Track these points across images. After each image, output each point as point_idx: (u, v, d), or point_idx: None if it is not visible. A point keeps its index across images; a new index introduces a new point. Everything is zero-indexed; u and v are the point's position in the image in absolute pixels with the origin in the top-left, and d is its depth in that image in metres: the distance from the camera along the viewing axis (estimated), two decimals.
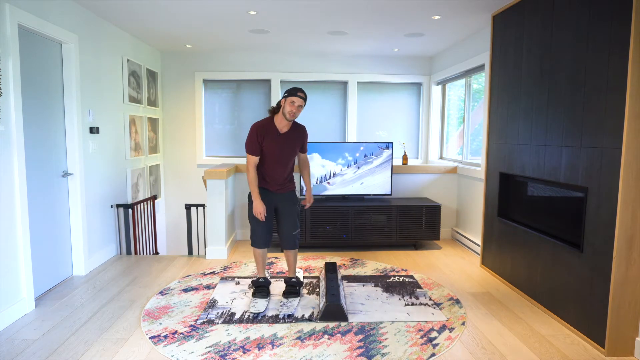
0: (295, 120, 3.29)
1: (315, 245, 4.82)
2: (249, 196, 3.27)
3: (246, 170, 3.19)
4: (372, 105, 6.16)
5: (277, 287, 3.56)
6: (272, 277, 3.81)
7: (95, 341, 2.67)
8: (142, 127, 5.25)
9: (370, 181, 4.94)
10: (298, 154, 3.36)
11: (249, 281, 3.71)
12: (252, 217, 3.27)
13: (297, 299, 3.28)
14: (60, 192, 3.67)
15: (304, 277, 3.82)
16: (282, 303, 3.20)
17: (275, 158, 3.20)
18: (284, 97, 3.10)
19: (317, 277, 3.82)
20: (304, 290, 3.50)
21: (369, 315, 3.05)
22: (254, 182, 3.17)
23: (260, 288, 3.27)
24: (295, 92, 3.08)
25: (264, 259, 3.37)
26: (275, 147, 3.17)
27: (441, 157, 5.98)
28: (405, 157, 5.59)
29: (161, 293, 3.44)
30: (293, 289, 3.33)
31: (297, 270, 3.94)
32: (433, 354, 2.53)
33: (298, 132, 3.27)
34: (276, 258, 4.43)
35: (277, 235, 4.34)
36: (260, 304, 3.12)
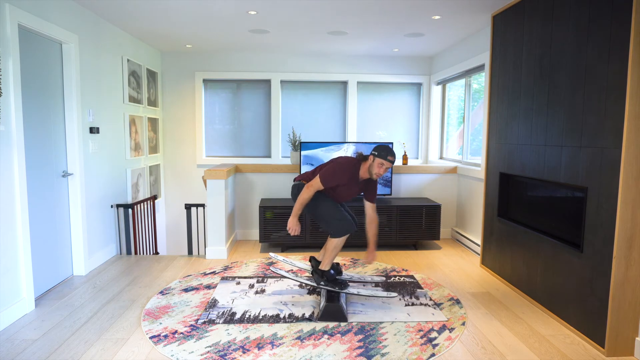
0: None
1: (315, 245, 4.82)
2: (311, 198, 3.20)
3: (306, 190, 3.12)
4: (372, 105, 6.16)
5: (279, 285, 3.56)
6: (272, 277, 3.81)
7: (95, 341, 2.67)
8: (142, 127, 5.25)
9: None
10: (365, 204, 3.31)
11: (249, 281, 3.70)
12: (329, 208, 3.17)
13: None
14: (60, 192, 3.67)
15: (303, 277, 3.81)
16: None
17: (346, 196, 3.24)
18: (373, 155, 3.10)
19: None
20: (304, 290, 3.50)
21: (369, 315, 3.05)
22: (304, 201, 3.14)
23: (341, 279, 3.23)
24: (386, 155, 3.08)
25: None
26: (351, 191, 3.21)
27: (441, 157, 5.98)
28: (405, 157, 5.59)
29: (161, 293, 3.44)
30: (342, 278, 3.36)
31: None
32: (433, 354, 2.53)
33: (371, 181, 3.27)
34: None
35: (275, 237, 4.34)
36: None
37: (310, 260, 3.44)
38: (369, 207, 3.29)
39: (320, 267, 3.23)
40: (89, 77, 4.00)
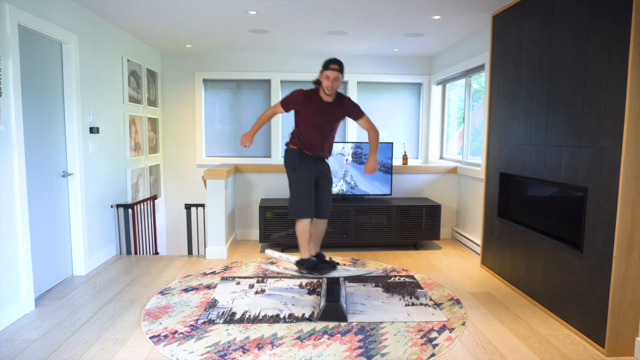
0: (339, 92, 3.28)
1: None
2: (289, 166, 3.21)
3: (267, 109, 3.23)
4: (372, 105, 6.16)
5: (279, 285, 3.56)
6: (272, 277, 3.80)
7: (95, 341, 2.67)
8: (142, 127, 5.25)
9: (370, 181, 4.94)
10: (358, 123, 3.34)
11: (249, 281, 3.70)
12: (295, 185, 3.15)
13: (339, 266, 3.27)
14: (60, 192, 3.67)
15: (304, 278, 3.81)
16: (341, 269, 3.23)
17: (317, 126, 3.18)
18: (320, 72, 3.13)
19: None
20: (304, 290, 3.50)
21: (369, 315, 3.05)
22: (262, 119, 3.20)
23: (322, 265, 3.18)
24: (328, 65, 3.07)
25: (309, 233, 3.21)
26: (319, 115, 3.17)
27: (441, 157, 5.98)
28: (405, 157, 5.59)
29: (161, 293, 3.44)
30: (328, 263, 3.25)
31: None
32: (433, 354, 2.53)
33: (341, 104, 3.24)
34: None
35: (275, 237, 4.34)
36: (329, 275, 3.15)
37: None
38: (362, 123, 3.33)
39: (300, 257, 3.26)
40: (89, 77, 4.00)
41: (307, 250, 3.19)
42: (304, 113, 3.18)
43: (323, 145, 3.26)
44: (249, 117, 6.06)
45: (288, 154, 3.27)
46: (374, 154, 3.27)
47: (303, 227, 3.13)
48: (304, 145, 3.22)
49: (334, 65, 3.06)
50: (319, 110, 3.17)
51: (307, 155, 3.23)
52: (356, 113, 3.30)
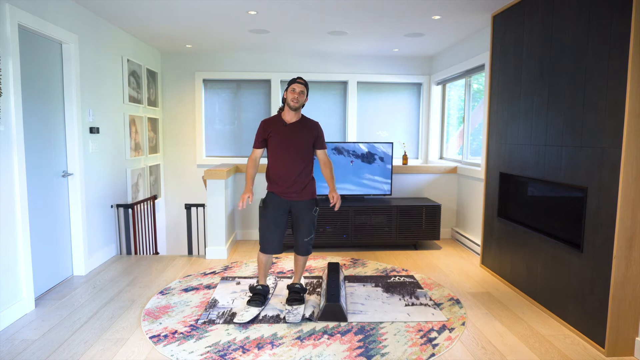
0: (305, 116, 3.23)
1: (315, 245, 4.81)
2: (262, 202, 3.21)
3: (247, 161, 3.22)
4: (372, 105, 6.16)
5: (279, 286, 3.56)
6: (272, 277, 3.81)
7: (95, 341, 2.67)
8: (142, 127, 5.25)
9: (370, 181, 4.94)
10: (315, 153, 3.21)
11: (249, 281, 3.70)
12: (262, 221, 3.18)
13: (302, 306, 3.11)
14: (60, 192, 3.67)
15: (304, 277, 3.81)
16: (287, 311, 3.05)
17: (282, 150, 3.08)
18: (285, 89, 3.13)
19: (318, 277, 3.82)
20: (304, 290, 3.49)
21: (369, 315, 3.05)
22: (249, 171, 3.15)
23: (257, 296, 3.14)
24: (293, 80, 3.10)
25: (267, 265, 3.23)
26: (281, 138, 3.09)
27: (441, 157, 5.98)
28: (405, 157, 5.59)
29: (161, 293, 3.44)
30: (297, 295, 3.17)
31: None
32: (433, 354, 2.53)
33: (309, 126, 3.16)
34: (277, 258, 4.42)
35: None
36: (248, 314, 2.98)
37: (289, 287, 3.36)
38: (320, 154, 3.22)
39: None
40: (89, 77, 4.00)
41: (260, 277, 3.25)
42: (270, 139, 3.13)
43: (293, 178, 3.09)
44: (249, 117, 6.06)
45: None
46: (334, 187, 3.20)
47: (259, 257, 3.22)
48: (273, 184, 3.14)
49: (300, 79, 3.10)
50: (282, 131, 3.09)
51: (277, 196, 3.14)
52: (322, 142, 3.20)
